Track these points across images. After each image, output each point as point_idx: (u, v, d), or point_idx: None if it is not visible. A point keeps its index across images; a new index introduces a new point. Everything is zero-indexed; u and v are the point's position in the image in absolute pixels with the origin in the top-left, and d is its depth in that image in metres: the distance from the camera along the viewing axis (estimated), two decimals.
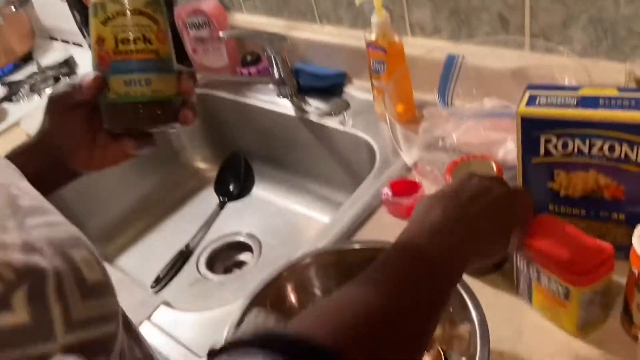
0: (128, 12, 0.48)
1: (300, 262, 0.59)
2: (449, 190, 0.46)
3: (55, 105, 0.53)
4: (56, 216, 0.34)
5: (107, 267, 0.37)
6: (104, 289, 0.33)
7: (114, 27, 0.49)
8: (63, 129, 0.53)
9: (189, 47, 1.09)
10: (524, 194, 0.50)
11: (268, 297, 0.56)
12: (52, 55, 1.43)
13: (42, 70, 1.34)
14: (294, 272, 0.58)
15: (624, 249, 0.55)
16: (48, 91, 1.28)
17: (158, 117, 0.52)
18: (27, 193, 0.35)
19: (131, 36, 0.49)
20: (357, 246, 0.60)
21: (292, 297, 0.58)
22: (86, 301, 0.31)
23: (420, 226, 0.43)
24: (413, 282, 0.38)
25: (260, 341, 0.30)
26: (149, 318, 0.69)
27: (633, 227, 0.49)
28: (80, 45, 1.43)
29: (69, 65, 1.35)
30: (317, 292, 0.59)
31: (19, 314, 0.27)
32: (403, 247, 0.41)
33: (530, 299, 0.57)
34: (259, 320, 0.33)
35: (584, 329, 0.54)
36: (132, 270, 1.01)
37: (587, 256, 0.50)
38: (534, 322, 0.57)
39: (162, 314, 0.70)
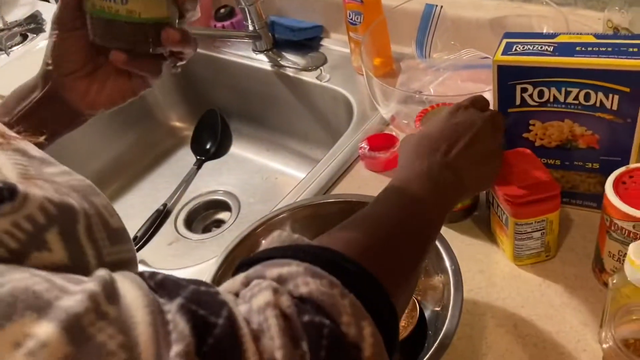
0: None
1: (275, 217, 0.58)
2: (435, 132, 0.48)
3: (56, 25, 0.51)
4: (65, 167, 0.34)
5: None
6: (124, 235, 0.34)
7: None
8: (61, 51, 0.51)
9: None
10: (499, 117, 0.52)
11: (244, 252, 0.56)
12: (17, 11, 1.36)
13: (7, 27, 1.28)
14: (269, 227, 0.58)
15: (597, 198, 0.55)
16: (15, 48, 1.23)
17: (133, 38, 0.49)
18: (32, 146, 0.35)
19: None
20: (331, 200, 0.60)
21: None
22: (113, 245, 0.31)
23: (407, 175, 0.44)
24: (404, 224, 0.40)
25: (290, 251, 0.32)
26: None
27: (606, 176, 0.49)
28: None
29: (35, 20, 1.29)
30: None
31: (57, 253, 0.27)
32: (391, 195, 0.43)
33: (490, 222, 0.60)
34: (283, 237, 0.34)
35: (520, 259, 0.57)
36: None
37: (531, 191, 0.52)
38: (507, 272, 0.57)
39: None
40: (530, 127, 0.56)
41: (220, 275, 0.54)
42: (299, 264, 0.29)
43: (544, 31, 0.70)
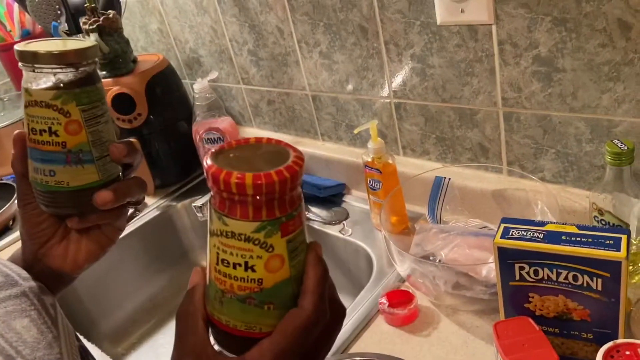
0: (35, 103, 0.48)
1: None
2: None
3: (18, 199, 0.53)
4: None
5: None
6: None
7: (27, 114, 0.49)
8: (29, 224, 0.53)
9: (203, 159, 1.20)
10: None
11: None
12: None
13: None
14: None
15: None
16: None
17: (72, 204, 0.51)
18: None
19: (37, 127, 0.48)
20: (357, 359, 0.67)
21: None
22: None
23: None
24: None
25: None
26: None
27: (600, 346, 0.57)
28: None
29: None
30: None
31: None
32: None
33: None
34: None
35: None
36: None
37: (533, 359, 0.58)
38: None
39: None
40: (530, 299, 0.64)
41: None
42: None
43: (538, 205, 0.81)
